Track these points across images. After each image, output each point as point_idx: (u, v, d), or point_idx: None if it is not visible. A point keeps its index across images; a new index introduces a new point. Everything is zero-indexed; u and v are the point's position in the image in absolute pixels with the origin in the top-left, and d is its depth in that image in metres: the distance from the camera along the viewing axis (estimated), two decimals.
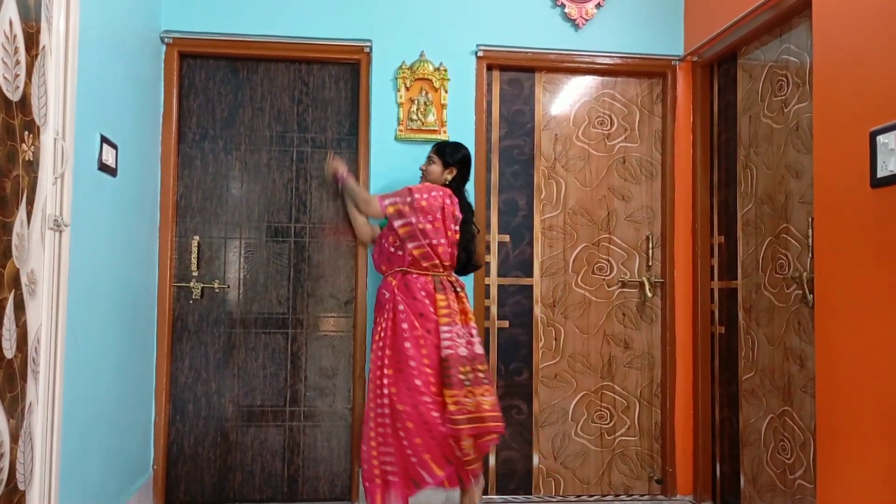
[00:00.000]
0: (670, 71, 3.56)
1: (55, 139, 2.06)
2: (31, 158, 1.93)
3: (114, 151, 2.61)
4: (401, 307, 2.81)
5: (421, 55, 3.38)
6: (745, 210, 3.19)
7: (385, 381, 2.76)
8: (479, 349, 2.85)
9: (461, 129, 3.39)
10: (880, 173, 2.14)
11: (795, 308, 2.81)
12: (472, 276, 3.33)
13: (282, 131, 3.41)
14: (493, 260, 3.48)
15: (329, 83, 3.46)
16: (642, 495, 3.51)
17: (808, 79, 2.76)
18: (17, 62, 1.84)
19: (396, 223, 2.85)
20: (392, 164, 3.33)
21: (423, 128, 3.35)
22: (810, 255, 2.70)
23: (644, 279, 3.51)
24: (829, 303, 2.40)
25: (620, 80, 3.61)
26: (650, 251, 3.56)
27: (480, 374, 2.80)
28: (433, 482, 2.72)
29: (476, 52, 3.43)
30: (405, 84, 3.35)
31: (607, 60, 3.53)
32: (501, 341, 3.47)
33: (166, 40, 3.28)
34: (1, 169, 1.75)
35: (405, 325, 2.78)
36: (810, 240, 2.69)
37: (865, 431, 2.20)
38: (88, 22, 2.29)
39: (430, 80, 3.37)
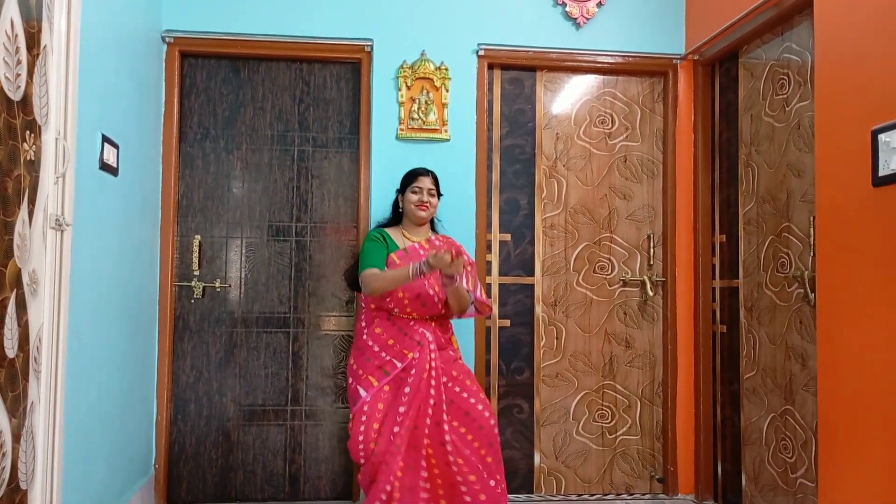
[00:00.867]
0: (671, 70, 3.56)
1: (56, 139, 2.06)
2: (33, 158, 1.93)
3: (115, 151, 2.61)
4: None
5: (422, 54, 3.38)
6: (746, 209, 3.18)
7: None
8: None
9: (462, 128, 3.39)
10: (882, 172, 2.13)
11: (797, 307, 2.81)
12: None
13: (283, 130, 3.41)
14: (494, 259, 3.48)
15: (330, 82, 3.46)
16: (644, 494, 3.51)
17: (809, 77, 2.76)
18: (19, 62, 1.84)
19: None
20: (393, 163, 3.32)
21: (425, 127, 3.35)
22: (812, 253, 2.70)
23: (645, 278, 3.51)
24: (831, 302, 2.40)
25: (622, 79, 3.61)
26: (651, 250, 3.56)
27: None
28: None
29: (477, 51, 3.43)
30: (406, 83, 3.35)
31: (608, 59, 3.53)
32: (503, 340, 3.47)
33: (167, 40, 3.28)
34: (2, 168, 1.75)
35: None
36: (812, 238, 2.69)
37: (867, 430, 2.20)
38: (89, 21, 2.29)
39: (431, 79, 3.37)
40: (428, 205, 2.86)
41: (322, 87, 3.45)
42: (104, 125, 2.51)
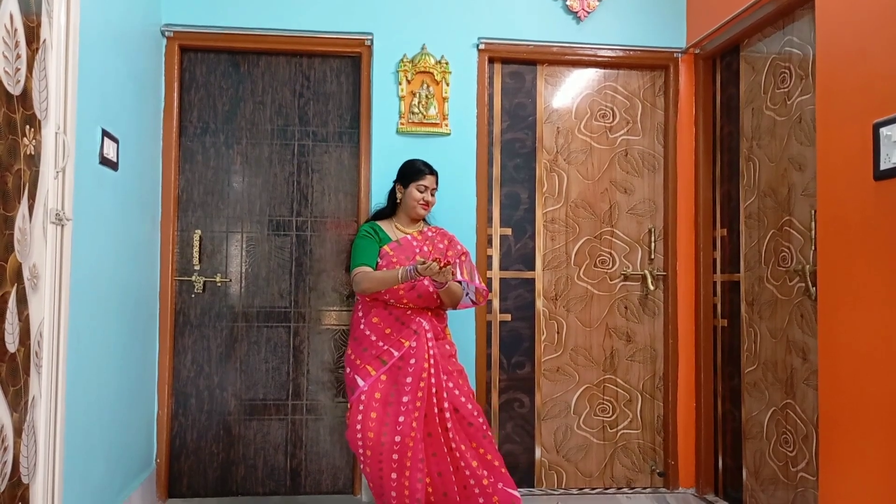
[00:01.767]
0: (672, 63, 3.55)
1: (56, 133, 2.06)
2: (33, 152, 1.93)
3: (115, 145, 2.61)
4: None
5: (422, 48, 3.37)
6: (747, 203, 3.18)
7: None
8: None
9: (463, 122, 3.39)
10: (883, 165, 2.13)
11: (798, 301, 2.80)
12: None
13: (283, 125, 3.41)
14: (494, 253, 3.47)
15: (330, 76, 3.45)
16: (644, 488, 3.51)
17: (810, 71, 2.75)
18: (18, 56, 1.83)
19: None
20: (394, 157, 3.31)
21: (425, 121, 3.35)
22: (813, 247, 2.69)
23: (646, 272, 3.51)
24: (832, 295, 2.40)
25: (622, 73, 3.60)
26: (652, 244, 3.56)
27: None
28: None
29: (478, 45, 3.42)
30: (406, 77, 3.34)
31: (609, 53, 3.52)
32: (503, 335, 3.47)
33: (167, 34, 3.27)
34: (2, 163, 1.75)
35: None
36: (813, 232, 2.69)
37: (868, 424, 2.20)
38: (89, 16, 2.29)
39: (432, 73, 3.36)
40: (430, 205, 2.91)
41: (322, 81, 3.44)
42: (104, 120, 2.50)
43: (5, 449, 1.78)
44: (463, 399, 2.70)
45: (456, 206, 3.33)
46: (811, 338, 2.71)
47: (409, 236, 2.87)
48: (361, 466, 2.65)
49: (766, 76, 3.06)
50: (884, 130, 2.13)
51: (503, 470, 2.71)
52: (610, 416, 3.52)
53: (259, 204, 3.38)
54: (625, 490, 3.49)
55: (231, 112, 3.39)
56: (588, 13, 3.48)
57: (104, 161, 2.49)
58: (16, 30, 1.81)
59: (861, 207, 2.25)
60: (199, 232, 3.33)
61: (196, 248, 3.32)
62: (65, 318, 2.09)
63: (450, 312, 3.07)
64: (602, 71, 3.59)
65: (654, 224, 3.58)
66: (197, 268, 3.33)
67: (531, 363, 3.48)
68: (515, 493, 2.68)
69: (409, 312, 2.75)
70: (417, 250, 2.83)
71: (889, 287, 2.12)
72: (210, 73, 3.38)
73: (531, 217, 3.52)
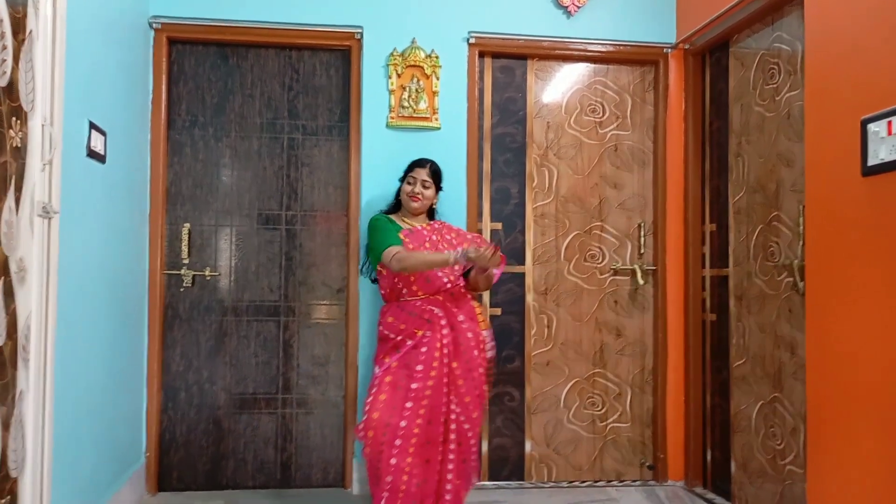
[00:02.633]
0: (662, 59, 3.56)
1: (43, 125, 2.04)
2: (19, 145, 1.91)
3: (102, 138, 2.59)
4: None
5: (412, 42, 3.36)
6: (736, 198, 3.19)
7: None
8: None
9: (453, 116, 3.38)
10: (871, 161, 2.14)
11: (786, 296, 2.82)
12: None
13: (272, 118, 3.39)
14: None
15: (320, 70, 3.43)
16: (634, 481, 3.53)
17: (799, 67, 2.77)
18: (4, 47, 1.81)
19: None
20: (384, 151, 3.31)
21: (415, 115, 3.34)
22: (801, 242, 2.71)
23: (636, 267, 3.52)
24: (820, 290, 2.41)
25: (612, 68, 3.61)
26: (642, 239, 3.57)
27: None
28: None
29: (468, 39, 3.41)
30: (397, 71, 3.33)
31: (599, 48, 3.53)
32: (494, 329, 3.46)
33: (155, 26, 3.25)
34: None
35: None
36: (801, 228, 2.71)
37: (855, 418, 2.22)
38: (76, 7, 2.26)
39: (422, 67, 3.35)
40: (420, 196, 2.88)
41: (311, 74, 3.43)
42: (91, 112, 2.48)
43: None
44: (470, 434, 2.69)
45: (446, 200, 3.31)
46: (799, 332, 2.73)
47: (419, 227, 2.89)
48: (363, 449, 2.64)
49: (755, 72, 3.07)
50: (871, 126, 2.14)
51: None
52: (600, 410, 3.54)
53: (248, 197, 3.37)
54: (614, 483, 3.51)
55: (220, 105, 3.37)
56: (578, 8, 3.48)
57: (92, 154, 2.47)
58: (1, 20, 1.79)
59: (849, 203, 2.26)
60: (187, 225, 3.31)
61: (185, 242, 3.30)
62: (52, 312, 2.08)
63: None
64: (592, 66, 3.59)
65: (644, 219, 3.59)
66: (186, 261, 3.31)
67: (521, 357, 3.49)
68: None
69: (419, 303, 2.75)
70: (427, 240, 2.84)
71: (876, 282, 2.13)
72: (199, 65, 3.36)
73: (521, 212, 3.52)
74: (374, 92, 3.35)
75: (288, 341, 3.36)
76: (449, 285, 2.79)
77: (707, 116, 3.47)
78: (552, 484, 3.47)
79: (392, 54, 3.33)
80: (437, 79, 3.36)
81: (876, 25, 2.18)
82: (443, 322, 2.70)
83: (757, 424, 3.00)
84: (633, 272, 3.53)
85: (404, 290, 2.79)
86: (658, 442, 3.51)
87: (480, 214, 3.47)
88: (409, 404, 2.60)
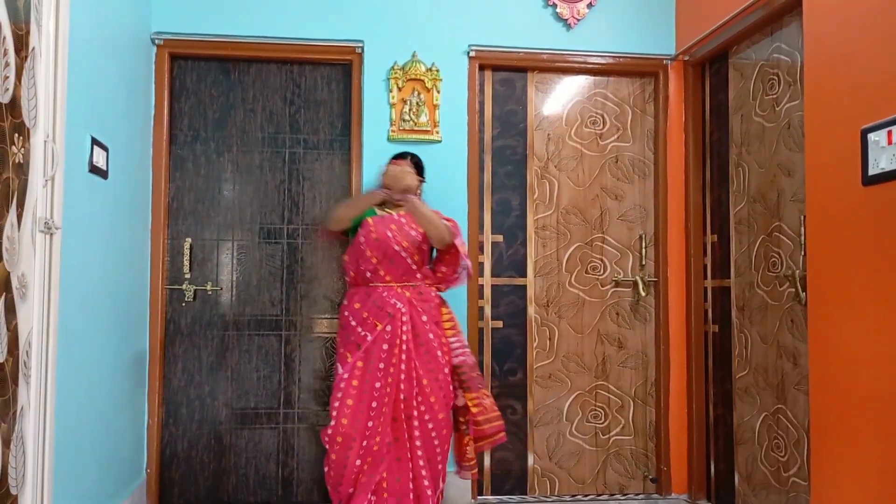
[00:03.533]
0: (662, 70, 3.57)
1: (45, 141, 2.05)
2: (21, 161, 1.92)
3: (104, 153, 2.60)
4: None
5: (413, 55, 3.38)
6: (737, 209, 3.19)
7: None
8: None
9: (453, 129, 3.39)
10: (871, 171, 2.14)
11: (788, 306, 2.82)
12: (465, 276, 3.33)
13: (274, 132, 3.40)
14: (486, 260, 3.47)
15: (321, 84, 3.45)
16: (637, 494, 3.51)
17: (799, 77, 2.77)
18: (7, 64, 1.82)
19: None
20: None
21: (416, 128, 3.35)
22: (803, 253, 2.71)
23: (637, 278, 3.51)
24: (822, 300, 2.41)
25: (612, 80, 3.62)
26: (643, 250, 3.57)
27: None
28: None
29: (468, 52, 3.43)
30: (397, 84, 3.35)
31: (599, 60, 3.54)
32: (495, 341, 3.47)
33: (157, 42, 3.27)
34: None
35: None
36: (803, 238, 2.70)
37: (859, 428, 2.21)
38: (78, 23, 2.28)
39: (423, 81, 3.37)
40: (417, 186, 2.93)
41: (313, 88, 3.44)
42: (93, 128, 2.49)
43: None
44: (434, 433, 2.70)
45: (447, 212, 3.32)
46: (802, 343, 2.72)
47: (394, 215, 2.90)
48: (327, 455, 2.68)
49: (754, 82, 3.08)
50: (872, 136, 2.14)
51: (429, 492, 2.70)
52: (602, 423, 3.52)
53: (250, 212, 3.37)
54: (617, 496, 3.49)
55: (221, 120, 3.38)
56: (578, 20, 3.50)
57: (94, 169, 2.48)
58: (4, 37, 1.80)
59: (850, 212, 2.26)
60: (189, 240, 3.32)
61: (187, 257, 3.30)
62: (54, 328, 2.07)
63: None
64: (592, 78, 3.60)
65: (645, 230, 3.59)
66: (187, 276, 3.31)
67: (523, 370, 3.48)
68: None
69: (384, 293, 2.77)
70: (394, 221, 2.85)
71: (879, 292, 2.13)
72: (200, 80, 3.38)
73: (522, 224, 3.52)
74: (375, 105, 3.36)
75: (289, 355, 3.36)
76: (413, 266, 2.81)
77: (707, 127, 3.48)
78: (555, 498, 3.45)
79: (393, 68, 3.35)
80: (438, 92, 3.38)
81: (875, 35, 2.19)
82: (404, 318, 2.72)
83: (760, 436, 2.99)
84: (635, 284, 3.53)
85: (369, 274, 2.80)
86: (661, 454, 3.49)
87: (482, 226, 3.47)
88: (374, 404, 2.65)
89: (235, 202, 3.37)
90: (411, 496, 2.65)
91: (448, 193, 3.35)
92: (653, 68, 3.57)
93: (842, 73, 2.33)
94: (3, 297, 1.81)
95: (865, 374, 2.18)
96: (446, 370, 2.78)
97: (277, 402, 3.34)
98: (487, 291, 3.47)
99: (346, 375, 2.70)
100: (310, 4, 3.36)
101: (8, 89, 1.83)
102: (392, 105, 3.35)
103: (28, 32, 1.95)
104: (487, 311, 3.46)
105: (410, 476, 2.66)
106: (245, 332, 3.34)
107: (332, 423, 2.66)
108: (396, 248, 2.78)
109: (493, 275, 3.48)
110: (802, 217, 2.70)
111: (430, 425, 2.70)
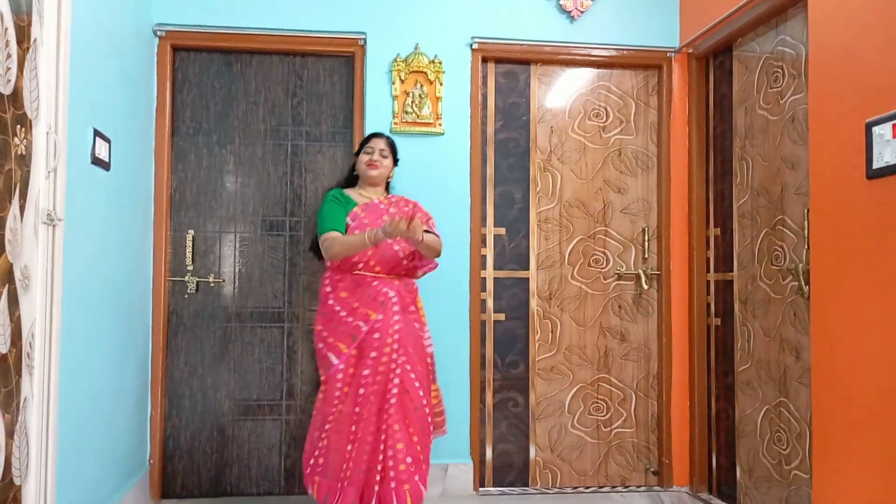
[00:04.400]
0: (666, 63, 3.55)
1: (48, 133, 2.05)
2: (24, 152, 1.92)
3: (107, 145, 2.60)
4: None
5: (416, 48, 3.37)
6: (740, 202, 3.19)
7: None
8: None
9: (456, 121, 3.38)
10: (876, 164, 2.14)
11: (791, 299, 2.81)
12: (467, 269, 3.34)
13: (276, 125, 3.40)
14: (489, 253, 3.47)
15: (323, 76, 3.44)
16: (639, 487, 3.52)
17: (803, 70, 2.76)
18: (9, 55, 1.82)
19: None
20: None
21: (419, 121, 3.34)
22: (806, 246, 2.70)
23: (640, 271, 3.51)
24: (825, 294, 2.40)
25: (616, 73, 3.61)
26: (646, 243, 3.56)
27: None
28: None
29: (471, 45, 3.42)
30: (400, 77, 3.34)
31: (603, 52, 3.53)
32: (498, 334, 3.47)
33: (159, 33, 3.26)
34: None
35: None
36: (806, 231, 2.70)
37: (861, 422, 2.21)
38: (80, 15, 2.28)
39: (425, 73, 3.36)
40: (378, 164, 2.90)
41: (315, 80, 3.43)
42: (96, 119, 2.49)
43: None
44: (417, 384, 2.70)
45: (450, 205, 3.33)
46: (804, 336, 2.72)
47: (375, 199, 2.90)
48: (319, 441, 2.68)
49: (759, 75, 3.07)
50: (876, 129, 2.13)
51: (424, 466, 2.69)
52: (604, 415, 3.52)
53: (252, 204, 3.37)
54: (619, 489, 3.50)
55: (224, 112, 3.37)
56: (582, 12, 3.49)
57: (96, 161, 2.48)
58: (6, 29, 1.80)
59: (854, 206, 2.25)
60: (191, 232, 3.32)
61: (189, 249, 3.30)
62: (57, 319, 2.08)
63: (440, 311, 3.12)
64: (595, 70, 3.59)
65: (648, 223, 3.58)
66: (190, 268, 3.31)
67: (525, 363, 3.48)
68: (424, 490, 2.67)
69: (375, 283, 2.75)
70: (385, 213, 2.85)
71: (882, 285, 2.12)
72: (202, 72, 3.37)
73: (525, 216, 3.52)
74: (378, 98, 3.35)
75: (292, 347, 3.36)
76: (405, 261, 2.82)
77: (711, 120, 3.46)
78: (556, 490, 3.46)
79: (395, 60, 3.34)
80: (441, 84, 3.37)
81: (880, 28, 2.17)
82: (395, 308, 2.72)
83: (762, 429, 2.99)
84: (638, 277, 3.53)
85: (360, 264, 2.78)
86: (663, 447, 3.49)
87: (484, 219, 3.46)
88: (361, 391, 2.65)
89: (238, 194, 3.37)
90: (363, 467, 2.60)
91: (450, 186, 3.35)
92: (656, 61, 3.56)
93: (846, 66, 2.32)
94: (5, 288, 1.81)
95: (868, 368, 2.18)
96: (429, 360, 2.85)
97: (280, 393, 3.35)
98: (490, 284, 3.47)
99: (342, 366, 2.69)
100: None
101: (10, 81, 1.83)
102: (394, 97, 3.34)
103: (30, 24, 1.95)
104: (490, 303, 3.46)
105: (368, 449, 2.62)
106: (247, 324, 3.34)
107: (334, 409, 2.65)
108: (396, 248, 2.79)
109: (496, 268, 3.48)
110: (806, 210, 2.69)
111: (413, 375, 2.70)
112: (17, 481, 1.90)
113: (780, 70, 2.93)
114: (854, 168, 2.24)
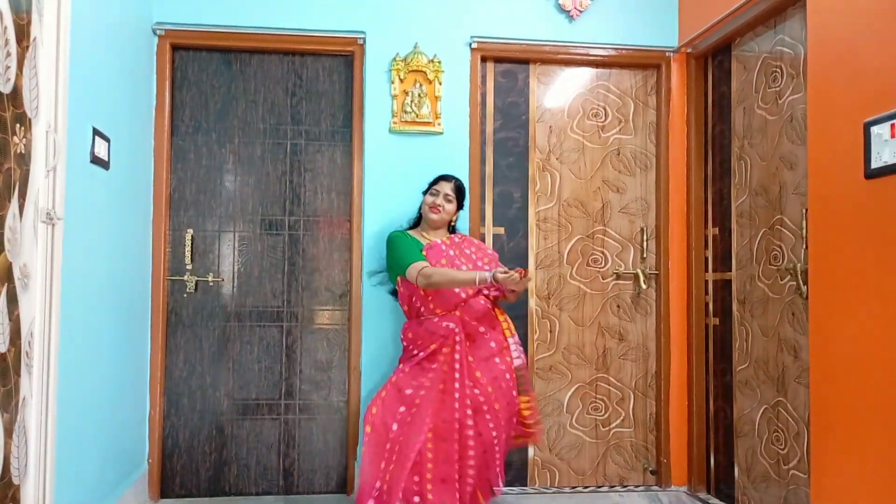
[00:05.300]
0: (664, 62, 3.56)
1: (47, 132, 2.05)
2: (23, 151, 1.92)
3: (106, 144, 2.60)
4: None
5: (415, 47, 3.37)
6: (739, 201, 3.19)
7: None
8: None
9: (455, 121, 3.39)
10: (874, 164, 2.14)
11: (789, 299, 2.82)
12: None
13: (275, 124, 3.40)
14: None
15: (323, 75, 3.44)
16: (637, 486, 3.52)
17: (802, 70, 2.77)
18: (8, 54, 1.82)
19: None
20: (387, 156, 3.32)
21: (418, 120, 3.35)
22: (804, 246, 2.71)
23: (638, 271, 3.51)
24: (823, 294, 2.41)
25: (615, 72, 3.61)
26: (644, 243, 3.56)
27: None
28: None
29: (470, 44, 3.42)
30: (399, 76, 3.34)
31: (601, 52, 3.53)
32: None
33: (158, 32, 3.26)
34: None
35: None
36: (804, 231, 2.70)
37: (859, 421, 2.21)
38: (80, 13, 2.28)
39: (425, 72, 3.36)
40: (440, 209, 2.92)
41: (314, 80, 3.43)
42: (95, 118, 2.49)
43: None
44: (488, 417, 2.64)
45: None
46: (802, 336, 2.72)
47: (438, 241, 2.91)
48: (364, 447, 2.67)
49: (757, 75, 3.07)
50: (875, 129, 2.14)
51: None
52: (602, 415, 3.53)
53: (251, 203, 3.37)
54: (617, 488, 3.50)
55: (223, 111, 3.37)
56: (580, 12, 3.49)
57: (95, 160, 2.48)
58: (6, 27, 1.80)
59: (852, 206, 2.26)
60: (191, 231, 3.32)
61: (188, 248, 3.30)
62: (56, 318, 2.08)
63: None
64: (594, 70, 3.60)
65: (647, 223, 3.59)
66: (189, 267, 3.31)
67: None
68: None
69: (436, 320, 2.77)
70: (445, 255, 2.85)
71: (880, 285, 2.13)
72: (202, 71, 3.37)
73: (524, 216, 3.52)
74: (377, 97, 3.35)
75: (291, 346, 3.36)
76: (464, 295, 2.80)
77: (709, 120, 3.47)
78: (555, 489, 3.46)
79: (395, 59, 3.34)
80: (440, 83, 3.37)
81: (878, 27, 2.18)
82: (457, 338, 2.70)
83: (760, 428, 2.99)
84: (636, 276, 3.53)
85: (422, 309, 2.82)
86: (661, 446, 3.50)
87: (483, 219, 3.47)
88: (402, 409, 2.66)
89: (237, 193, 3.37)
90: (457, 476, 2.59)
91: None
92: (655, 60, 3.56)
93: (845, 65, 2.32)
94: (5, 287, 1.81)
95: (866, 368, 2.18)
96: (508, 375, 2.75)
97: (279, 392, 3.35)
98: None
99: (392, 376, 2.79)
100: None
101: (9, 79, 1.83)
102: (394, 97, 3.34)
103: (30, 22, 1.95)
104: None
105: (458, 497, 2.60)
106: (246, 323, 3.34)
107: (368, 409, 2.71)
108: (482, 301, 2.81)
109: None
110: (804, 210, 2.70)
111: (494, 433, 2.64)
112: (15, 480, 1.90)
113: (778, 70, 2.93)
114: (852, 168, 2.25)
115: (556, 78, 3.57)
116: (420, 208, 3.04)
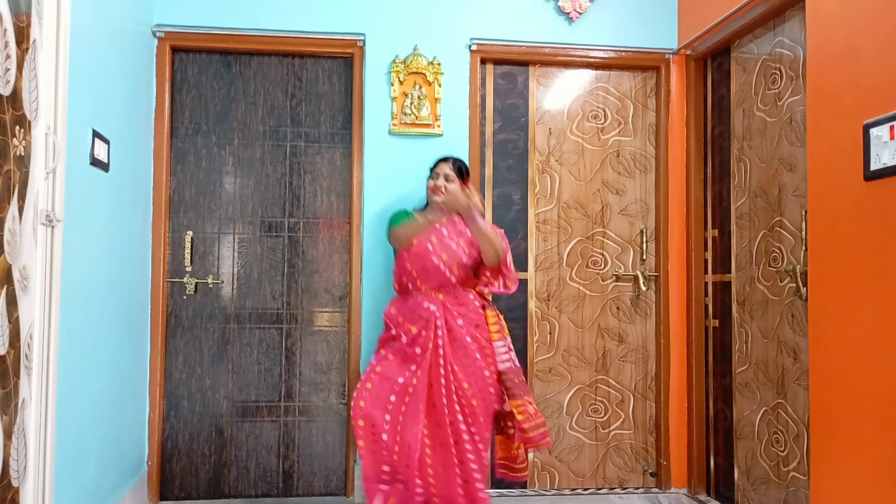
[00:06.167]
0: (664, 64, 3.56)
1: (46, 134, 2.04)
2: (23, 153, 1.92)
3: (106, 146, 2.60)
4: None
5: (414, 49, 3.37)
6: (738, 203, 3.19)
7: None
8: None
9: (455, 123, 3.39)
10: (874, 166, 2.14)
11: (789, 301, 2.82)
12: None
13: (275, 126, 3.40)
14: None
15: (322, 77, 3.44)
16: (637, 488, 3.52)
17: (801, 72, 2.77)
18: (8, 56, 1.82)
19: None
20: (386, 158, 3.32)
21: (417, 122, 3.35)
22: (804, 248, 2.71)
23: (638, 273, 3.51)
24: (823, 296, 2.41)
25: (614, 74, 3.61)
26: (644, 245, 3.57)
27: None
28: None
29: (470, 46, 3.42)
30: (399, 78, 3.34)
31: (601, 54, 3.53)
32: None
33: (158, 34, 3.26)
34: None
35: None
36: (804, 233, 2.70)
37: (858, 423, 2.21)
38: (80, 16, 2.28)
39: (424, 74, 3.36)
40: (442, 189, 2.87)
41: (314, 81, 3.44)
42: (95, 120, 2.49)
43: None
44: (476, 412, 2.66)
45: None
46: (802, 338, 2.72)
47: (435, 223, 2.87)
48: (357, 442, 2.66)
49: (756, 77, 3.08)
50: (874, 131, 2.14)
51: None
52: (602, 417, 3.53)
53: (251, 205, 3.37)
54: (617, 490, 3.50)
55: (223, 113, 3.38)
56: (580, 14, 3.49)
57: (95, 162, 2.48)
58: (5, 29, 1.80)
59: (852, 208, 2.26)
60: (190, 233, 3.32)
61: (188, 250, 3.30)
62: (55, 320, 2.08)
63: None
64: (594, 72, 3.60)
65: (646, 225, 3.59)
66: (189, 269, 3.31)
67: (523, 364, 3.48)
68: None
69: (419, 299, 2.78)
70: (437, 233, 2.83)
71: (880, 287, 2.13)
72: (202, 73, 3.37)
73: (523, 218, 3.52)
74: (377, 99, 3.35)
75: (290, 349, 3.36)
76: (453, 279, 2.79)
77: (709, 121, 3.47)
78: (555, 491, 3.46)
79: (394, 61, 3.34)
80: (440, 86, 3.37)
81: (878, 30, 2.18)
82: (438, 322, 2.70)
83: (760, 430, 2.99)
84: (636, 278, 3.53)
85: (409, 286, 2.84)
86: (661, 449, 3.50)
87: None
88: (392, 398, 2.66)
89: (236, 195, 3.37)
90: (458, 471, 2.61)
91: None
92: (655, 62, 3.56)
93: (844, 67, 2.32)
94: (4, 289, 1.81)
95: (865, 370, 2.18)
96: (487, 373, 2.71)
97: (278, 395, 3.35)
98: None
99: (373, 361, 2.78)
100: None
101: (9, 81, 1.83)
102: (393, 98, 3.35)
103: (29, 24, 1.95)
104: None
105: (460, 481, 2.60)
106: (246, 326, 3.34)
107: (353, 403, 2.70)
108: (436, 261, 2.77)
109: None
110: (804, 212, 2.70)
111: (474, 429, 2.64)
112: (15, 483, 1.90)
113: (778, 71, 2.93)
114: (852, 170, 2.25)
115: (555, 80, 3.57)
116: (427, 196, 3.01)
